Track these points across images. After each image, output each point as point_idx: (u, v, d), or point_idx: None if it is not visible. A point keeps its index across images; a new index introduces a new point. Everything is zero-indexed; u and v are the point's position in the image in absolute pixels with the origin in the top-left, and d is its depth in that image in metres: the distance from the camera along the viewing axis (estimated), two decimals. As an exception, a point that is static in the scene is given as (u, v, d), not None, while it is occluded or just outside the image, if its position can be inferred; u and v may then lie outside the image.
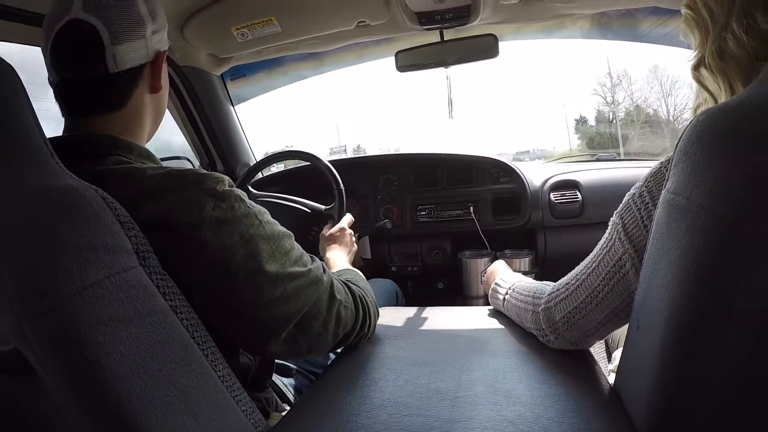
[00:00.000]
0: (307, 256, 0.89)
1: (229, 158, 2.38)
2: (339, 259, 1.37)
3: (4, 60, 0.65)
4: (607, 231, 0.85)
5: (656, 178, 0.75)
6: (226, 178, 0.80)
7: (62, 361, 0.56)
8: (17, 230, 0.57)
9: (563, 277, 0.97)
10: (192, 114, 2.22)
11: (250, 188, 1.92)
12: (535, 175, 2.16)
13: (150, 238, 0.69)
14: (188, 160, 2.25)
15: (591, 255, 0.89)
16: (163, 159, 2.20)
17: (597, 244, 0.88)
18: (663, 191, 0.64)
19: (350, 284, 1.02)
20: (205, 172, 0.77)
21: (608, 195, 1.95)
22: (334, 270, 1.27)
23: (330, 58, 2.49)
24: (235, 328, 0.80)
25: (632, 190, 0.80)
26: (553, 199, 2.07)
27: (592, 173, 2.15)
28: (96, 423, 0.58)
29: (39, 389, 0.60)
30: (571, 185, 2.10)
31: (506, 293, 1.17)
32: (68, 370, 0.56)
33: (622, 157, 2.43)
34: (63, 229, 0.58)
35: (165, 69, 0.94)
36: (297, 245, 0.88)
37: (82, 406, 0.57)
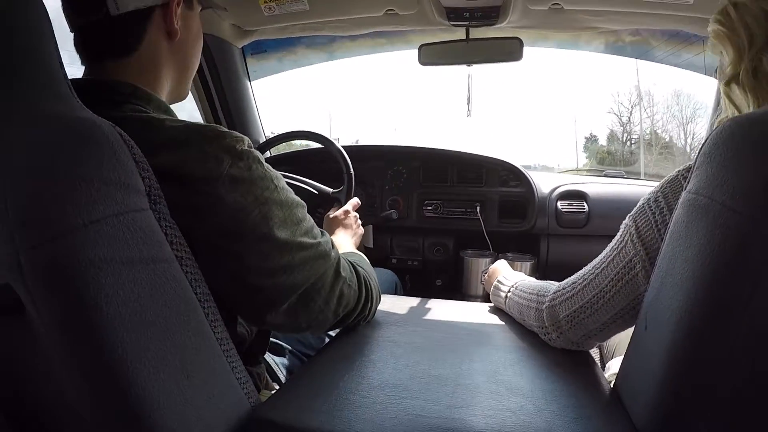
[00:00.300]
0: (317, 229, 0.89)
1: (240, 131, 2.34)
2: (344, 241, 1.37)
3: None
4: (619, 233, 0.85)
5: (673, 185, 0.76)
6: (246, 138, 0.79)
7: (55, 297, 0.54)
8: (27, 155, 0.56)
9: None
10: (207, 83, 2.20)
11: None
12: (544, 182, 2.17)
13: (163, 188, 0.68)
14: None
15: (600, 256, 0.89)
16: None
17: (605, 249, 0.89)
18: (683, 193, 0.65)
19: (355, 265, 1.01)
20: (225, 129, 0.76)
21: (615, 209, 1.93)
22: (339, 251, 1.26)
23: (353, 44, 2.48)
24: (236, 293, 0.79)
25: (647, 195, 0.81)
26: (560, 207, 2.08)
27: (600, 186, 2.17)
28: (83, 371, 0.57)
29: (26, 330, 0.59)
30: (578, 195, 2.11)
31: (509, 290, 1.17)
32: (61, 307, 0.55)
33: (642, 176, 2.43)
34: (76, 158, 0.56)
35: (192, 15, 0.91)
36: (308, 216, 0.87)
37: (70, 351, 0.56)
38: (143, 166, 0.63)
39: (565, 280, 0.97)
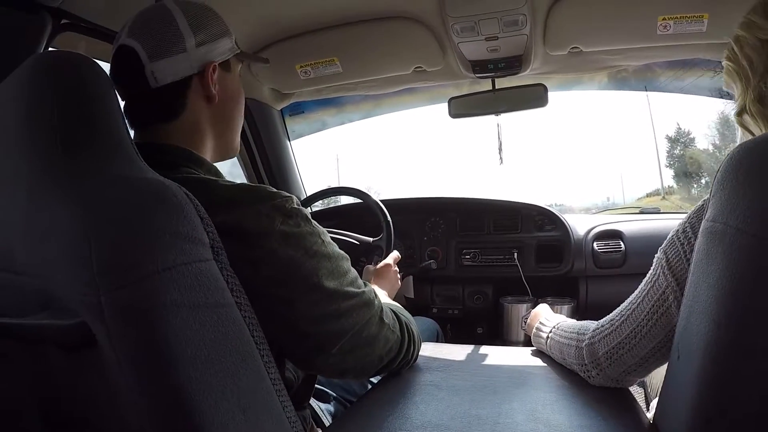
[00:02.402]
0: (360, 280, 0.93)
1: (281, 189, 2.41)
2: (381, 293, 1.39)
3: (97, 63, 0.72)
4: (652, 267, 0.88)
5: (698, 214, 0.78)
6: (294, 197, 0.84)
7: (132, 334, 0.59)
8: (108, 210, 0.61)
9: None
10: (250, 144, 2.31)
11: None
12: (580, 224, 2.18)
13: (223, 242, 0.73)
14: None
15: (636, 291, 0.92)
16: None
17: (640, 282, 0.91)
18: (703, 221, 0.68)
19: (397, 312, 1.05)
20: (274, 190, 0.82)
21: (651, 245, 1.92)
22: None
23: (386, 100, 2.58)
24: (287, 338, 0.83)
25: (676, 227, 0.84)
26: (597, 248, 2.08)
27: (635, 224, 2.16)
28: (150, 401, 0.61)
29: (94, 364, 0.64)
30: (614, 235, 2.11)
31: (550, 331, 1.18)
32: (136, 343, 0.59)
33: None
34: (150, 214, 0.61)
35: (229, 77, 0.98)
36: (352, 269, 0.92)
37: (140, 382, 0.60)
38: (207, 222, 0.68)
39: (604, 318, 0.99)
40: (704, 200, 0.78)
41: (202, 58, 0.91)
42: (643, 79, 2.47)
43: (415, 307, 2.18)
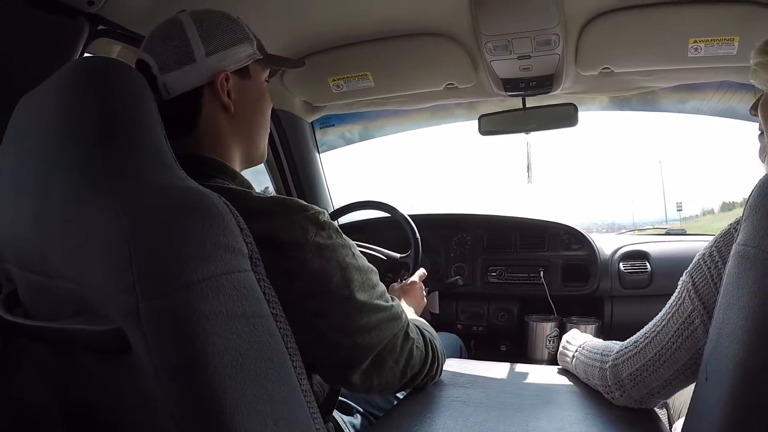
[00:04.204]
0: (388, 294, 0.94)
1: (309, 201, 2.43)
2: (407, 310, 1.37)
3: (137, 71, 0.75)
4: (677, 290, 0.88)
5: (725, 239, 0.79)
6: (325, 211, 0.85)
7: (170, 341, 0.59)
8: (149, 217, 0.61)
9: None
10: (279, 156, 2.33)
11: None
12: (606, 244, 2.17)
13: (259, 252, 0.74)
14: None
15: (660, 314, 0.92)
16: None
17: (666, 303, 0.91)
18: (734, 245, 0.67)
19: (421, 328, 1.06)
20: (306, 203, 0.83)
21: (678, 267, 1.89)
22: None
23: (416, 116, 2.60)
24: (319, 351, 0.84)
25: (702, 251, 0.84)
26: (623, 268, 2.07)
27: (661, 245, 2.15)
28: (185, 408, 0.61)
29: (128, 370, 0.64)
30: (640, 255, 2.09)
31: (576, 351, 1.18)
32: (173, 350, 0.60)
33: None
34: (192, 223, 0.62)
35: (249, 84, 0.97)
36: (381, 282, 0.93)
37: (175, 390, 0.61)
38: (246, 232, 0.68)
39: (628, 339, 0.99)
40: (731, 224, 0.79)
41: (213, 67, 0.91)
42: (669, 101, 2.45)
43: (439, 322, 2.18)
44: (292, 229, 0.79)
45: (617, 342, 1.04)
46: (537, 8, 1.46)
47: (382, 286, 0.92)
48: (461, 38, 1.69)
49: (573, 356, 1.19)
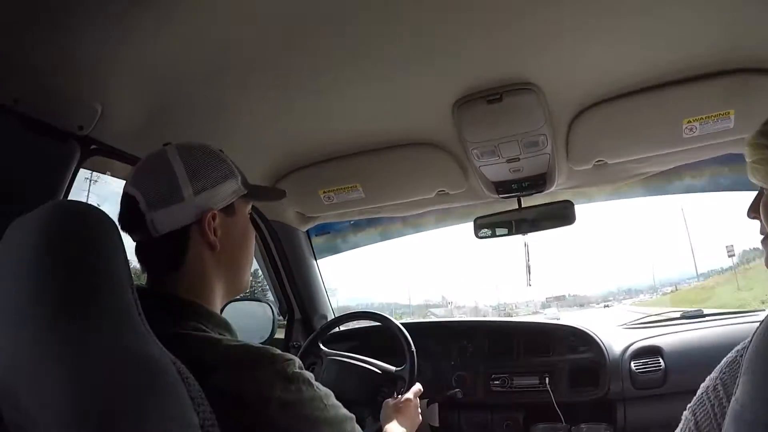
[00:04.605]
0: None
1: (308, 308, 2.43)
2: (398, 431, 1.34)
3: (101, 210, 0.73)
4: (679, 427, 0.81)
5: (731, 369, 0.73)
6: (297, 360, 0.83)
7: None
8: (99, 389, 0.61)
9: None
10: (277, 265, 2.31)
11: (321, 346, 1.93)
12: (615, 340, 2.06)
13: (221, 408, 0.72)
14: (269, 305, 2.30)
15: None
16: (244, 299, 2.29)
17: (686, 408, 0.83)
18: (732, 400, 0.62)
19: None
20: (278, 352, 0.81)
21: (693, 360, 1.81)
22: None
23: (413, 221, 2.58)
24: None
25: (706, 382, 0.78)
26: (634, 368, 1.93)
27: (675, 336, 2.02)
28: None
29: None
30: (653, 351, 1.96)
31: None
32: None
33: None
34: (140, 397, 0.61)
35: (233, 221, 0.97)
36: (357, 428, 0.90)
37: None
38: (198, 401, 0.67)
39: None
40: (737, 351, 0.72)
41: (201, 206, 0.90)
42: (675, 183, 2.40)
43: None
44: (258, 383, 0.77)
45: None
46: (519, 113, 1.46)
47: None
48: (448, 146, 1.70)
49: None
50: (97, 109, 1.18)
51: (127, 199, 0.90)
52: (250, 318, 2.18)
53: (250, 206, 1.04)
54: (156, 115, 1.31)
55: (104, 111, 1.19)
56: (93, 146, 1.29)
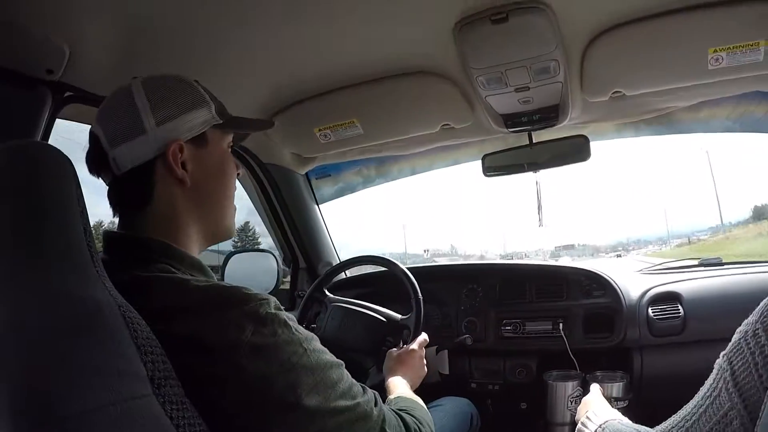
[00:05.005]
0: (357, 387, 0.83)
1: (312, 256, 2.38)
2: (399, 384, 1.26)
3: (57, 150, 0.69)
4: (712, 376, 0.69)
5: None
6: (272, 299, 0.75)
7: None
8: (31, 338, 0.56)
9: (661, 407, 0.85)
10: (276, 211, 2.25)
11: (326, 292, 1.87)
12: (632, 285, 1.95)
13: (183, 357, 0.67)
14: (273, 255, 2.24)
15: (692, 404, 0.73)
16: (248, 250, 2.22)
17: (706, 358, 0.73)
18: None
19: (403, 414, 0.93)
20: (251, 292, 0.74)
21: (714, 308, 1.73)
22: (392, 395, 1.17)
23: (418, 160, 2.46)
24: None
25: (743, 327, 0.65)
26: (652, 314, 1.84)
27: (694, 283, 1.91)
28: None
29: None
30: (671, 298, 1.86)
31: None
32: None
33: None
34: (69, 348, 0.56)
35: (206, 153, 0.90)
36: (346, 375, 0.82)
37: None
38: (146, 350, 0.61)
39: (653, 430, 0.81)
40: None
41: (165, 137, 0.84)
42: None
43: (451, 382, 2.04)
44: (225, 327, 0.70)
45: (642, 430, 0.87)
46: (527, 35, 1.32)
47: (346, 382, 0.81)
48: (451, 74, 1.56)
49: None
50: (65, 50, 1.11)
51: (91, 139, 0.86)
52: (254, 269, 2.15)
53: (229, 139, 0.96)
54: (132, 54, 1.23)
55: (73, 52, 1.13)
56: (68, 93, 1.24)
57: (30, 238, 0.61)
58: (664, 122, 2.13)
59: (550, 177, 1.90)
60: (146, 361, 0.60)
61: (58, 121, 1.24)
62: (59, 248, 0.62)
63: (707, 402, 0.68)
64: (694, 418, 0.70)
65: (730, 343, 0.66)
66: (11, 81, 1.09)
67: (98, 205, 0.97)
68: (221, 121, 0.91)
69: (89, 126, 0.88)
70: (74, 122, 1.42)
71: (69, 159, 0.69)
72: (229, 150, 0.96)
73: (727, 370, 0.65)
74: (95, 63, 1.21)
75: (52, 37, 1.08)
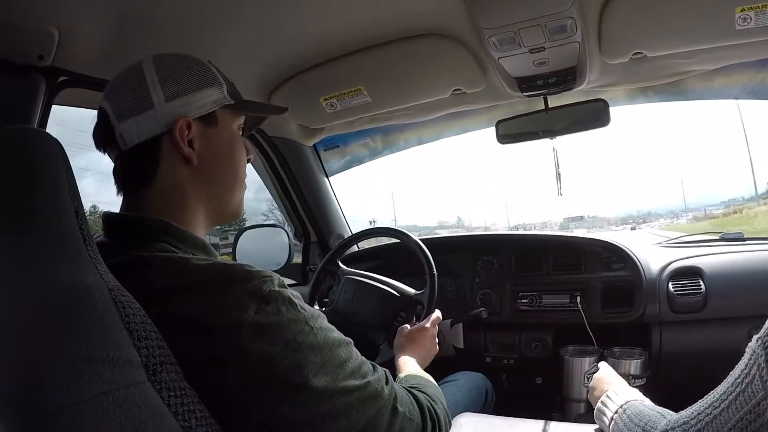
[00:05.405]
0: (367, 365, 0.80)
1: (323, 229, 2.36)
2: (409, 363, 1.22)
3: (47, 134, 0.68)
4: (743, 361, 0.63)
5: None
6: (276, 277, 0.73)
7: None
8: (17, 327, 0.55)
9: (679, 386, 0.84)
10: (285, 185, 2.22)
11: (340, 264, 1.85)
12: (653, 258, 1.88)
13: (183, 339, 0.65)
14: (283, 228, 2.21)
15: (720, 389, 0.67)
16: (258, 226, 2.20)
17: (728, 375, 0.66)
18: None
19: (414, 391, 0.90)
20: (254, 269, 0.71)
21: (736, 285, 1.67)
22: (402, 373, 1.13)
23: (428, 128, 2.39)
24: None
25: None
26: (672, 289, 1.77)
27: (716, 258, 1.84)
28: None
29: None
30: (693, 273, 1.79)
31: (615, 413, 0.97)
32: None
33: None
34: (59, 338, 0.54)
35: (215, 132, 0.87)
36: (356, 353, 0.79)
37: None
38: (139, 335, 0.59)
39: (678, 416, 0.75)
40: None
41: (173, 113, 0.82)
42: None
43: (466, 356, 2.01)
44: (227, 307, 0.67)
45: (665, 413, 0.82)
46: (542, -12, 1.23)
47: (355, 360, 0.78)
48: (461, 35, 1.48)
49: (612, 419, 0.98)
50: (53, 33, 1.08)
51: (99, 114, 0.84)
52: (266, 244, 2.12)
53: (240, 121, 0.94)
54: (123, 33, 1.19)
55: (63, 34, 1.09)
56: (62, 78, 1.22)
57: (20, 225, 0.60)
58: (687, 87, 2.04)
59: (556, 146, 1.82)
60: (140, 346, 0.59)
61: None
62: (51, 234, 0.61)
63: (738, 389, 0.62)
64: (722, 405, 0.64)
65: (765, 326, 0.60)
66: (2, 70, 1.08)
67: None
68: (232, 102, 0.89)
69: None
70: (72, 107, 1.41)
71: (58, 141, 0.67)
72: (240, 133, 0.94)
73: (761, 356, 0.58)
74: (87, 44, 1.17)
75: (38, 20, 1.05)
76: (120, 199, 0.86)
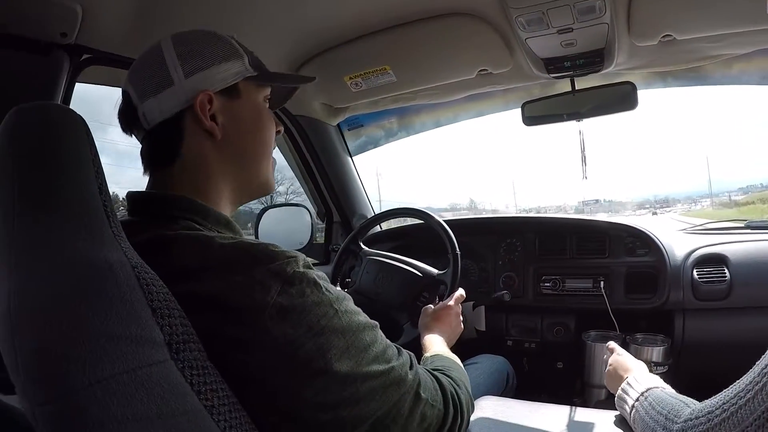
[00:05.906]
0: (392, 349, 0.78)
1: (346, 209, 2.35)
2: (435, 341, 1.22)
3: (75, 112, 0.66)
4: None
5: None
6: (302, 257, 0.71)
7: None
8: (37, 305, 0.53)
9: (701, 375, 0.74)
10: (309, 164, 2.21)
11: (362, 245, 1.85)
12: (678, 245, 1.86)
13: (206, 319, 0.64)
14: (306, 208, 2.22)
15: (746, 379, 0.66)
16: (281, 205, 2.21)
17: (754, 365, 0.66)
18: None
19: (439, 375, 0.89)
20: (279, 249, 0.70)
21: (762, 274, 1.64)
22: (428, 353, 1.13)
23: (446, 111, 2.38)
24: (293, 430, 0.69)
25: None
26: (697, 276, 1.74)
27: (741, 246, 1.80)
28: None
29: None
30: (717, 260, 1.76)
31: (637, 400, 0.96)
32: None
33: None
34: (81, 314, 0.53)
35: (239, 104, 0.87)
36: (381, 337, 0.77)
37: None
38: (162, 312, 0.58)
39: (702, 405, 0.75)
40: None
41: (192, 89, 0.81)
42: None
43: (487, 338, 2.01)
44: (249, 288, 0.65)
45: (688, 402, 0.81)
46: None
47: (380, 344, 0.76)
48: (488, 15, 1.46)
49: (633, 406, 0.97)
50: (77, 10, 1.07)
51: (123, 97, 0.85)
52: (288, 224, 2.14)
53: (266, 93, 0.92)
54: (147, 9, 1.19)
55: (86, 11, 1.09)
56: (85, 55, 1.22)
57: (44, 200, 0.59)
58: (716, 72, 1.99)
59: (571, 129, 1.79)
60: (163, 324, 0.58)
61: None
62: (74, 210, 0.60)
63: (764, 380, 0.61)
64: (748, 396, 0.63)
65: None
66: (27, 48, 1.09)
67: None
68: (255, 74, 0.88)
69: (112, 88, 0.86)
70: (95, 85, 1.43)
71: (82, 118, 0.66)
72: (267, 105, 0.93)
73: None
74: (110, 22, 1.18)
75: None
76: (120, 181, 0.87)
